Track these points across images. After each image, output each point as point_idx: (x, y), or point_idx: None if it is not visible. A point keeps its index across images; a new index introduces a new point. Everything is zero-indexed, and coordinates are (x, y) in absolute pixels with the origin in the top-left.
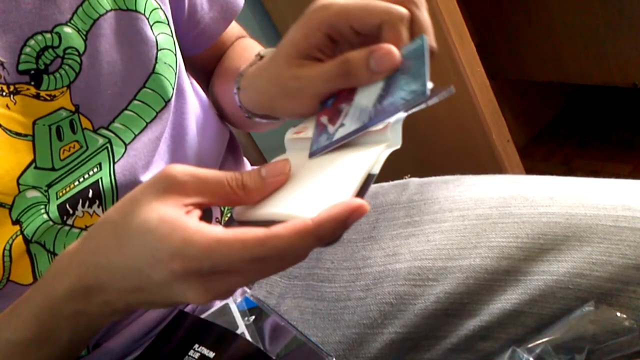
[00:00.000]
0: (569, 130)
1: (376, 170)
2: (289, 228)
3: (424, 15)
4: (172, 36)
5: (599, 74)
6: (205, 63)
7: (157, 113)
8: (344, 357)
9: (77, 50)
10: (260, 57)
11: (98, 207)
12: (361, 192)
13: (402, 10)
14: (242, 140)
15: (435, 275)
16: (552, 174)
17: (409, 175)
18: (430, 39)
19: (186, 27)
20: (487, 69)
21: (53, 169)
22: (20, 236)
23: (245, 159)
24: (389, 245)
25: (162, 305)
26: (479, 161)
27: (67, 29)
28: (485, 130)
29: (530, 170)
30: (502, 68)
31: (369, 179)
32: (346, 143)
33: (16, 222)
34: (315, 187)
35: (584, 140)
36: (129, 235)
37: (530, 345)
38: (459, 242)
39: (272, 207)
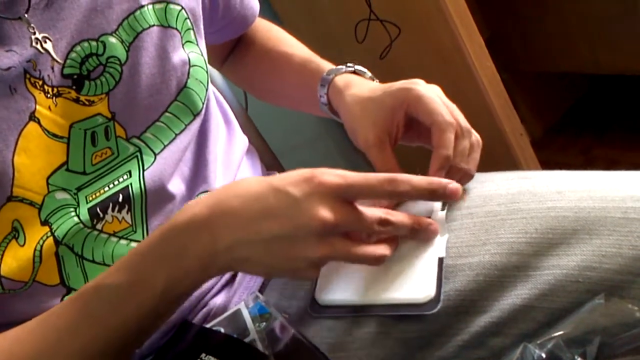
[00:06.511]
0: (587, 121)
1: (443, 254)
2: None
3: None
4: (202, 55)
5: (615, 63)
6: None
7: (186, 125)
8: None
9: (119, 60)
10: (353, 70)
11: (127, 213)
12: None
13: (448, 120)
14: (256, 144)
15: (445, 273)
16: (570, 164)
17: (419, 173)
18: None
19: (219, 23)
20: (501, 62)
21: (84, 173)
22: (51, 238)
23: (261, 164)
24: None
25: (280, 230)
26: (493, 156)
27: (112, 39)
28: (498, 124)
29: (547, 161)
30: (515, 60)
31: (441, 262)
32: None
33: (45, 222)
34: (409, 276)
35: (601, 130)
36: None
37: (541, 341)
38: (468, 239)
39: (391, 293)
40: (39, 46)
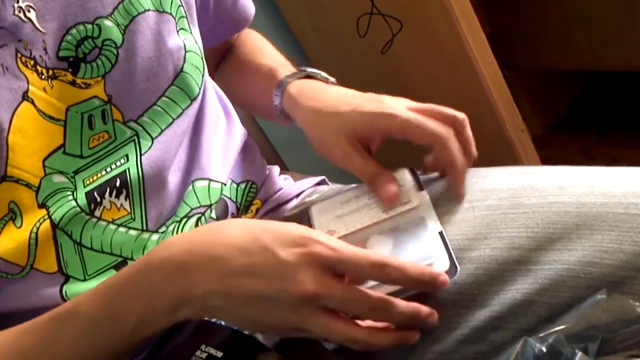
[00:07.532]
0: (587, 118)
1: (439, 227)
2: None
3: (468, 133)
4: (196, 42)
5: (616, 60)
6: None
7: (183, 110)
8: (357, 352)
9: (115, 43)
10: (305, 74)
11: (125, 199)
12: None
13: (446, 135)
14: (257, 139)
15: None
16: (570, 162)
17: (421, 170)
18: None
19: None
20: (502, 58)
21: (81, 156)
22: (48, 221)
23: (261, 158)
24: None
25: (260, 290)
26: (494, 152)
27: (108, 22)
28: (499, 121)
29: (548, 159)
30: (516, 57)
31: (442, 234)
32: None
33: (42, 205)
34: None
35: (602, 128)
36: (266, 226)
37: (542, 335)
38: (469, 233)
39: None
40: (21, 14)
